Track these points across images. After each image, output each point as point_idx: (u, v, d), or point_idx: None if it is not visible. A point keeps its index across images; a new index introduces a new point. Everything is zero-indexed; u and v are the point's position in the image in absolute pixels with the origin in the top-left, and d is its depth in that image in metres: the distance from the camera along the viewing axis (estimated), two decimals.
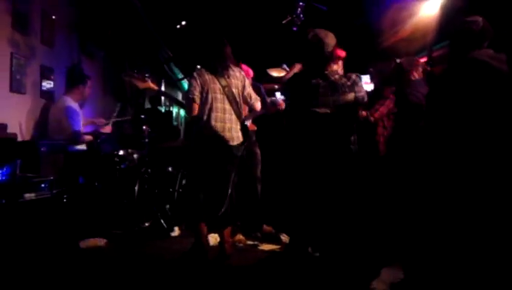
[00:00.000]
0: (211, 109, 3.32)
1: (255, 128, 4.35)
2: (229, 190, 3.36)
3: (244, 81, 3.51)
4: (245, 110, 4.30)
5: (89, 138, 4.51)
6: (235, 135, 3.39)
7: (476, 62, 2.46)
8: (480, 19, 2.53)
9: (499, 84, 2.39)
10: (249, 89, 3.55)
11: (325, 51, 2.64)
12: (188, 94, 3.37)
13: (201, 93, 3.32)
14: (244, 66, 4.26)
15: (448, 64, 2.72)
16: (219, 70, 3.39)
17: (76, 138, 4.35)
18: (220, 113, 3.35)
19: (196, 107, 3.33)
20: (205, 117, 3.32)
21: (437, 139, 2.54)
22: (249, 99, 3.54)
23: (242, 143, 3.41)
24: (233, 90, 3.41)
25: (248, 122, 4.29)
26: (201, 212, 3.36)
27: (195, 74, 3.39)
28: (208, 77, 3.35)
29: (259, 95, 4.45)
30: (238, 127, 3.41)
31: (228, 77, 3.41)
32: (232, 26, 6.28)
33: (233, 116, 3.40)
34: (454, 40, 2.61)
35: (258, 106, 3.62)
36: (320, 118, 2.58)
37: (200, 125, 3.34)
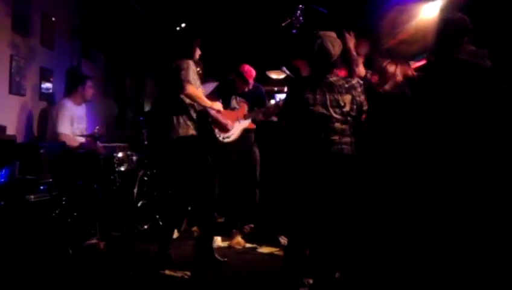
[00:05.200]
0: None
1: (254, 126, 4.33)
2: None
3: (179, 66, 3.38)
4: (244, 109, 4.30)
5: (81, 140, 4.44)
6: (171, 127, 3.36)
7: (456, 61, 2.44)
8: (459, 15, 2.55)
9: (481, 81, 2.37)
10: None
11: (330, 61, 2.64)
12: None
13: None
14: (246, 66, 4.25)
15: (428, 65, 2.71)
16: None
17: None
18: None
19: None
20: None
21: (419, 145, 2.53)
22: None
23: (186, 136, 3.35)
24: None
25: (247, 121, 4.28)
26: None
27: None
28: None
29: (260, 97, 4.44)
30: (179, 117, 3.35)
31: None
32: (232, 29, 6.29)
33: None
34: (435, 40, 2.61)
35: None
36: (316, 118, 2.57)
37: None
